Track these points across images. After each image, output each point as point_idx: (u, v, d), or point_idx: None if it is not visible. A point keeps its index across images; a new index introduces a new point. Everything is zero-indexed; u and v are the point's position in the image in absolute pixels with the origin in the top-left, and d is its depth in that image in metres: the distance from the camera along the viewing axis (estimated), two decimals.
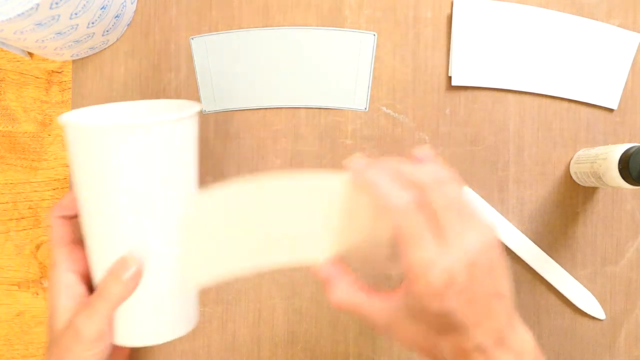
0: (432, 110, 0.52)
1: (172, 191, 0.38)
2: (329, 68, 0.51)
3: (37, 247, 0.52)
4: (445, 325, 0.33)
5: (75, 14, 0.43)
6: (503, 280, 0.34)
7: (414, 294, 0.33)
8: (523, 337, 0.35)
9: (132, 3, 0.51)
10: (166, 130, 0.37)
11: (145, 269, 0.38)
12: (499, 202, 0.52)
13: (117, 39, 0.52)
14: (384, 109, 0.52)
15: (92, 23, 0.46)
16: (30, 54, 0.52)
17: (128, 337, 0.40)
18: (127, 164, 0.37)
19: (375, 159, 0.34)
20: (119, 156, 0.37)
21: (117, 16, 0.49)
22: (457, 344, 0.34)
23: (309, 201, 0.35)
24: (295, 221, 0.36)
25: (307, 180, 0.35)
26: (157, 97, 0.52)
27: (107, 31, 0.50)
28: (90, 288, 0.41)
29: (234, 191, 0.37)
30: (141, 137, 0.37)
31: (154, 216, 0.38)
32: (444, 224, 0.32)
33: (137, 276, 0.37)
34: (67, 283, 0.40)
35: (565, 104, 0.52)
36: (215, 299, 0.52)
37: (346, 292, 0.36)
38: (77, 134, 0.38)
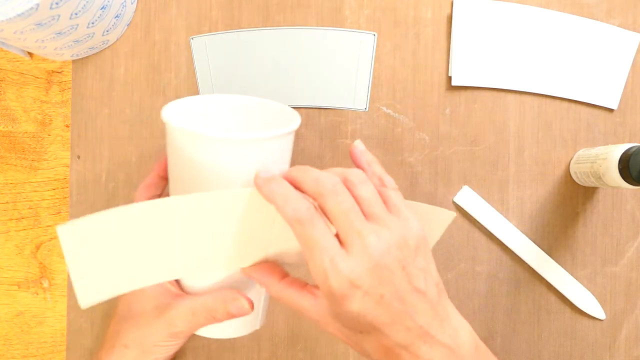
0: (432, 110, 0.52)
1: None
2: (329, 68, 0.51)
3: (37, 247, 0.52)
4: (360, 325, 0.34)
5: (75, 14, 0.43)
6: (422, 275, 0.35)
7: (327, 300, 0.34)
8: (455, 329, 0.35)
9: (132, 3, 0.51)
10: (270, 144, 0.37)
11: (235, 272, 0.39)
12: (499, 202, 0.52)
13: (117, 39, 0.52)
14: (384, 109, 0.52)
15: (92, 23, 0.46)
16: (30, 54, 0.52)
17: (208, 330, 0.43)
18: (226, 171, 0.36)
19: (297, 168, 0.36)
20: (219, 164, 0.36)
21: (117, 16, 0.49)
22: (377, 342, 0.34)
23: (222, 216, 0.36)
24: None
25: (216, 197, 0.35)
26: (157, 97, 0.52)
27: (107, 31, 0.50)
28: None
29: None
30: (246, 148, 0.36)
31: None
32: (342, 229, 0.33)
33: (245, 314, 0.39)
34: None
35: (565, 104, 0.52)
36: None
37: (276, 289, 0.37)
38: (183, 137, 0.37)
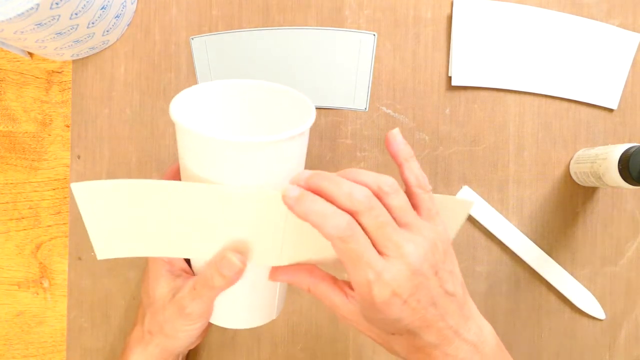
0: (432, 110, 0.52)
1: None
2: (329, 68, 0.51)
3: (37, 247, 0.52)
4: (395, 329, 0.35)
5: (76, 14, 0.43)
6: (451, 278, 0.36)
7: (363, 305, 0.35)
8: (480, 327, 0.37)
9: (132, 3, 0.51)
10: (281, 145, 0.35)
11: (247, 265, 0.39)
12: (499, 202, 0.52)
13: (117, 39, 0.52)
14: (384, 109, 0.52)
15: (92, 23, 0.46)
16: (31, 54, 0.52)
17: (222, 319, 0.42)
18: (237, 169, 0.35)
19: (317, 177, 0.35)
20: (231, 163, 0.35)
21: (117, 16, 0.49)
22: (408, 342, 0.36)
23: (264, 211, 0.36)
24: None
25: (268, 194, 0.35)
26: (157, 97, 0.52)
27: (107, 31, 0.50)
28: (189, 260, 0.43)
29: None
30: (256, 151, 0.35)
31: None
32: (380, 241, 0.34)
33: (240, 273, 0.38)
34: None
35: (565, 104, 0.52)
36: None
37: (308, 283, 0.38)
38: (192, 138, 0.36)
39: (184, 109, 0.39)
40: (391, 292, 0.33)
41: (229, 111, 0.42)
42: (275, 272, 0.39)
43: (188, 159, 0.37)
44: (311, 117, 0.37)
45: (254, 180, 0.35)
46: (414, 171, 0.37)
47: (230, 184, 0.35)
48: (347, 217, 0.33)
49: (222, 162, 0.35)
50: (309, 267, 0.38)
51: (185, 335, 0.42)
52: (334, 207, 0.33)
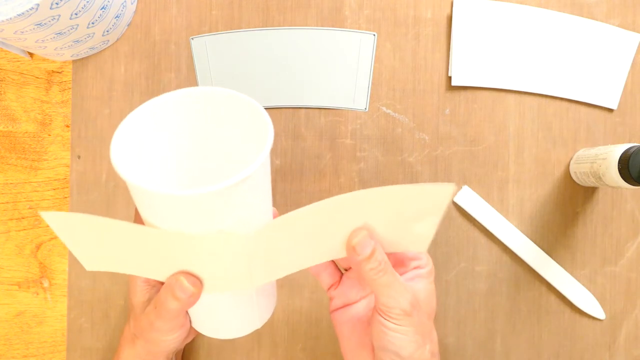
0: (432, 110, 0.52)
1: (244, 226, 0.35)
2: (329, 68, 0.51)
3: (37, 247, 0.52)
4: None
5: (76, 14, 0.43)
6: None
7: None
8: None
9: (132, 3, 0.51)
10: (233, 190, 0.32)
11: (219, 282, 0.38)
12: (499, 202, 0.52)
13: (117, 39, 0.52)
14: (384, 109, 0.52)
15: (92, 23, 0.46)
16: (31, 54, 0.52)
17: (208, 330, 0.42)
18: (190, 218, 0.33)
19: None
20: (181, 213, 0.33)
21: (117, 16, 0.49)
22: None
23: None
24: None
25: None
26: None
27: (107, 31, 0.50)
28: None
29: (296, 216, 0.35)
30: (206, 201, 0.32)
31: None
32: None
33: (194, 296, 0.37)
34: None
35: (565, 104, 0.52)
36: None
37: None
38: (136, 191, 0.33)
39: (129, 142, 0.36)
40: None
41: (181, 129, 0.39)
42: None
43: (139, 206, 0.35)
44: (267, 141, 0.34)
45: (212, 224, 0.33)
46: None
47: (186, 231, 0.33)
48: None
49: (172, 212, 0.33)
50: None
51: (165, 343, 0.42)
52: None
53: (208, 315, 0.41)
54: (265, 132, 0.34)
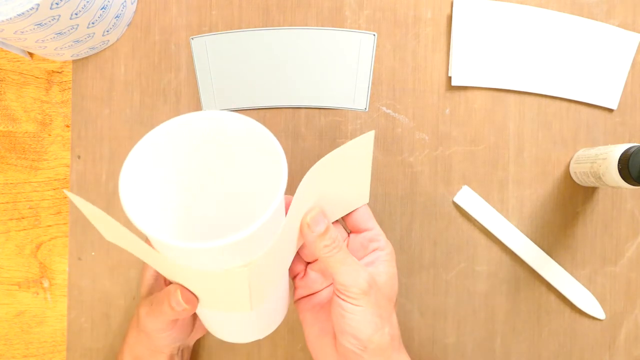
0: (432, 110, 0.52)
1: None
2: (329, 68, 0.51)
3: (37, 247, 0.52)
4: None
5: (76, 14, 0.43)
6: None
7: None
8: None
9: (132, 3, 0.51)
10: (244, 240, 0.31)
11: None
12: (499, 202, 0.52)
13: (117, 39, 0.52)
14: (384, 109, 0.52)
15: (92, 23, 0.46)
16: (31, 54, 0.52)
17: (214, 331, 0.43)
18: (201, 260, 0.33)
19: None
20: (192, 258, 0.33)
21: (117, 16, 0.49)
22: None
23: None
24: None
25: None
26: (157, 97, 0.52)
27: (107, 31, 0.50)
28: None
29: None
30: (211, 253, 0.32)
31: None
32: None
33: (186, 312, 0.38)
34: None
35: (565, 104, 0.52)
36: None
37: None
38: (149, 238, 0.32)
39: (138, 178, 0.35)
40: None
41: (192, 159, 0.38)
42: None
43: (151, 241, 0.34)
44: (281, 185, 0.32)
45: (219, 265, 0.33)
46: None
47: (193, 267, 0.34)
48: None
49: (182, 255, 0.33)
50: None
51: (157, 339, 0.42)
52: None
53: (211, 320, 0.42)
54: (279, 171, 0.33)
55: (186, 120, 0.36)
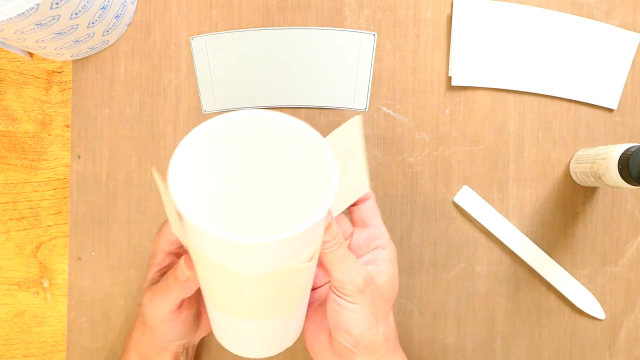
0: (432, 110, 0.52)
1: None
2: (329, 68, 0.51)
3: (37, 247, 0.52)
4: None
5: (76, 14, 0.43)
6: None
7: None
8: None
9: (132, 3, 0.51)
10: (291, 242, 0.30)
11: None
12: (499, 202, 0.52)
13: (117, 39, 0.52)
14: (384, 109, 0.52)
15: (92, 23, 0.46)
16: (31, 54, 0.52)
17: (235, 348, 0.42)
18: (247, 259, 0.32)
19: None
20: (240, 255, 0.31)
21: (117, 16, 0.49)
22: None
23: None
24: None
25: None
26: (157, 97, 0.52)
27: (107, 31, 0.50)
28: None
29: None
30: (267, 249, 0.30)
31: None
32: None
33: (188, 282, 0.38)
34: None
35: (565, 104, 0.52)
36: None
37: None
38: (202, 235, 0.30)
39: (185, 170, 0.33)
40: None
41: (236, 157, 0.36)
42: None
43: (192, 240, 0.33)
44: (331, 190, 0.31)
45: (257, 267, 0.32)
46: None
47: (228, 268, 0.32)
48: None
49: (223, 249, 0.31)
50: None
51: (168, 334, 0.42)
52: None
53: (235, 331, 0.40)
54: (328, 173, 0.31)
55: (240, 118, 0.33)
